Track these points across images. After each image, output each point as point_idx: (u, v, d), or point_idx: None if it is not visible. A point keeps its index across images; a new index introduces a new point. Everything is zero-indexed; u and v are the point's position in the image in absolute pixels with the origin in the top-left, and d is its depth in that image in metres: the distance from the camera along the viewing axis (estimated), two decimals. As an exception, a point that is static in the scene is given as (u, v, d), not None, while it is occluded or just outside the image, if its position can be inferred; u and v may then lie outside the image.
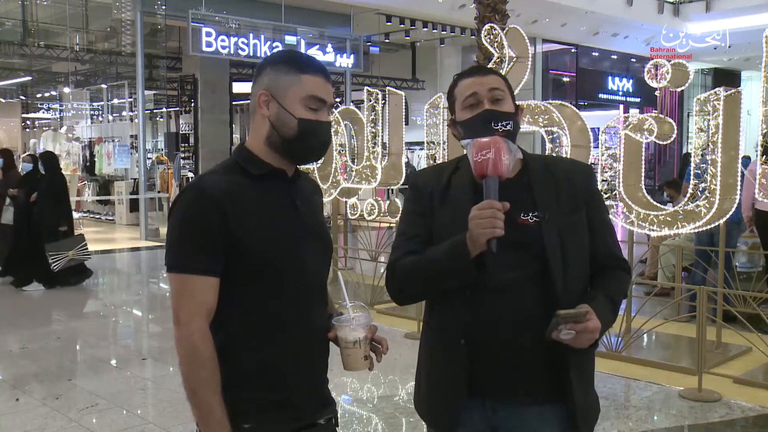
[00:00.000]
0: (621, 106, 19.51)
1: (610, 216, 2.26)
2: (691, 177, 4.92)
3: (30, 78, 19.34)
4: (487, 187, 1.68)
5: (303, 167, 1.86)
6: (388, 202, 7.14)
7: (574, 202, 1.83)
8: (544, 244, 1.75)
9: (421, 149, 12.11)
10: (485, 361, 1.78)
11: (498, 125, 1.78)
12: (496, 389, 1.80)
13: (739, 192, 4.79)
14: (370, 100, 7.13)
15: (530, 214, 1.78)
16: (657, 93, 5.29)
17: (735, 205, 4.79)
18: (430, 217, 1.86)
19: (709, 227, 4.90)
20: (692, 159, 4.96)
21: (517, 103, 1.91)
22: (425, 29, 15.90)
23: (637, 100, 20.88)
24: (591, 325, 1.68)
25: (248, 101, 1.79)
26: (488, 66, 1.91)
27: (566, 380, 1.76)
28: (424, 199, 1.88)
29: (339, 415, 1.87)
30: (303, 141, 1.70)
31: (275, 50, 2.16)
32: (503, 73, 5.72)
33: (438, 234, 1.80)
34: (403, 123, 7.23)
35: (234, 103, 17.61)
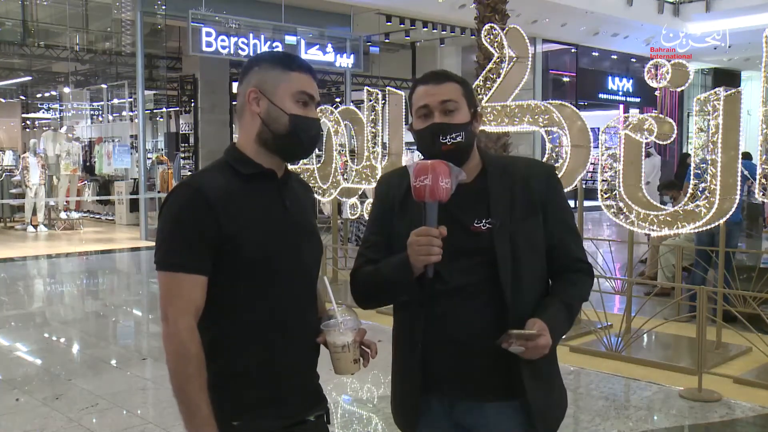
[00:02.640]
0: (621, 106, 19.52)
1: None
2: (691, 177, 4.92)
3: (30, 78, 19.35)
4: (425, 212, 1.69)
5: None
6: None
7: (529, 207, 1.82)
8: (495, 251, 1.77)
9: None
10: (440, 361, 1.81)
11: (446, 138, 1.78)
12: (451, 388, 1.83)
13: (739, 192, 4.79)
14: (370, 100, 7.13)
15: (483, 221, 1.80)
16: (657, 93, 5.29)
17: (735, 205, 4.79)
18: (390, 223, 1.88)
19: (709, 227, 4.90)
20: (692, 159, 4.97)
21: (479, 107, 1.90)
22: (425, 29, 15.89)
23: (637, 100, 20.88)
24: (542, 342, 1.70)
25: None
26: (446, 73, 1.89)
27: (518, 380, 1.78)
28: (386, 206, 1.90)
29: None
30: (294, 136, 1.72)
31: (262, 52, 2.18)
32: (504, 72, 5.75)
33: (397, 242, 1.81)
34: (403, 123, 7.23)
35: (234, 103, 17.60)
